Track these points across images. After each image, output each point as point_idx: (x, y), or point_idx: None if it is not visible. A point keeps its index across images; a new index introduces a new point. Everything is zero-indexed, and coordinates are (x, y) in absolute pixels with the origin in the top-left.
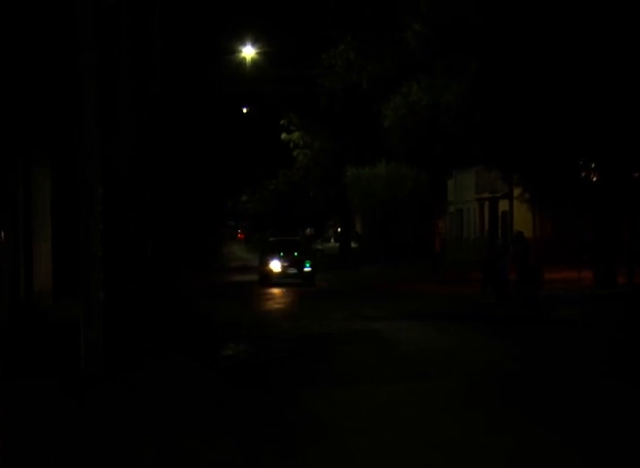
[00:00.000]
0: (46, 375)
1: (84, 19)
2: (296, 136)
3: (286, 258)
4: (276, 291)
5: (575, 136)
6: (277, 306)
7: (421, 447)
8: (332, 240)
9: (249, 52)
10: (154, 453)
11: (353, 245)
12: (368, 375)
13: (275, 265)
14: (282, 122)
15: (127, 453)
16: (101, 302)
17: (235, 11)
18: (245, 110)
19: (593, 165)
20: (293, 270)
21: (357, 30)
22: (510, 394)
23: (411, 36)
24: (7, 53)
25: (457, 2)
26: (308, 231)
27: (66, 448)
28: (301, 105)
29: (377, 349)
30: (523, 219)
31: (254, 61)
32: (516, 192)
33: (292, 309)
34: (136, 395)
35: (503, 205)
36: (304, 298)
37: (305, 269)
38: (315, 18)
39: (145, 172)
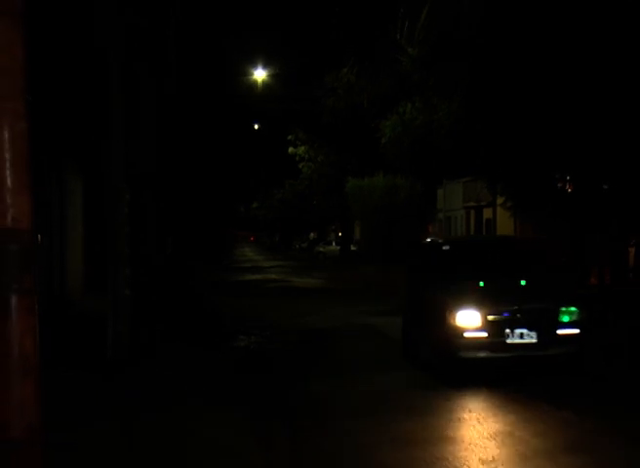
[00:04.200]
0: (77, 360)
1: (115, 54)
2: (301, 150)
3: (499, 297)
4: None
5: (551, 153)
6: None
7: (419, 430)
8: (333, 243)
9: (260, 74)
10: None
11: (353, 248)
12: (370, 365)
13: (470, 320)
14: (289, 137)
15: (144, 420)
16: (128, 298)
17: (247, 36)
18: (256, 126)
19: (568, 177)
20: (525, 336)
21: (356, 55)
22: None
23: (406, 61)
24: (40, 71)
25: (440, 33)
26: (311, 235)
27: (95, 413)
28: (307, 122)
29: (376, 341)
30: (505, 226)
31: (264, 82)
32: (499, 201)
33: (296, 307)
34: (154, 376)
35: (488, 213)
36: (308, 297)
37: (561, 331)
38: (319, 42)
39: (165, 176)
